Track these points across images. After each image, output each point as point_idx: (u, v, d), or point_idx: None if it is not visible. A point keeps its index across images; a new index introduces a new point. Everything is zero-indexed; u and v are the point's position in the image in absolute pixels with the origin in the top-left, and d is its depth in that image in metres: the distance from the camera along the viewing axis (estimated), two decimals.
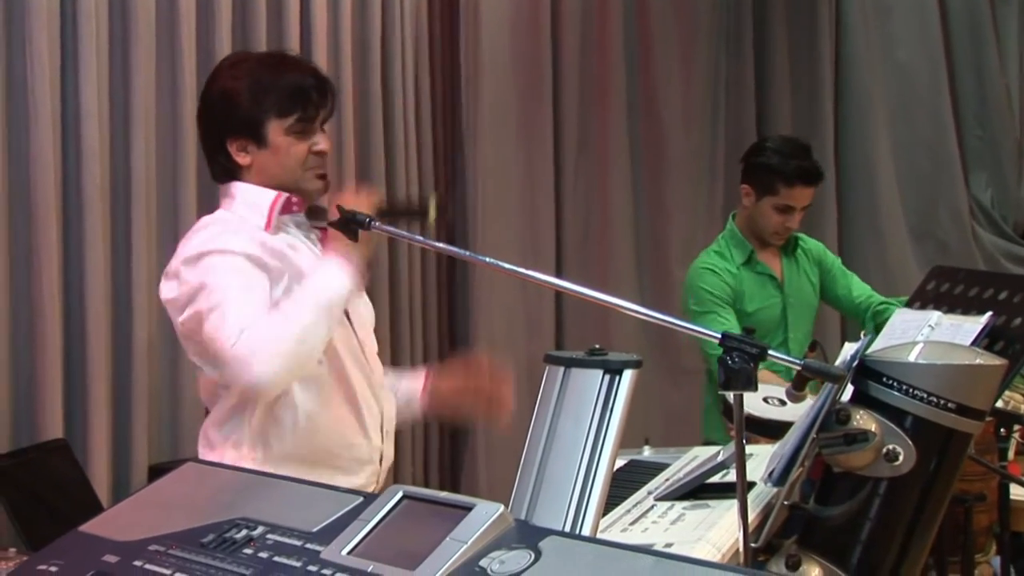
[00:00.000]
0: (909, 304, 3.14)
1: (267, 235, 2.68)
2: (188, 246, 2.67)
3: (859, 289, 4.33)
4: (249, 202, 2.73)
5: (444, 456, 5.45)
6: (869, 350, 2.13)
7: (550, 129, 5.86)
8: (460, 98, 5.51)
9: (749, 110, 6.76)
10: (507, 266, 2.40)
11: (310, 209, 2.79)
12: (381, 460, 2.82)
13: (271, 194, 2.72)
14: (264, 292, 2.59)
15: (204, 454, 2.74)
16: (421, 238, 2.83)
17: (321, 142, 2.76)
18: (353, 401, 2.74)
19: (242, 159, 2.72)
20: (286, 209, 2.74)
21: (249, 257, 2.60)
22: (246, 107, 2.70)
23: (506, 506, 1.57)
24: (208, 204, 4.27)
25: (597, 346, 1.79)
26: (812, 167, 4.21)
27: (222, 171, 2.78)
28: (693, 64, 6.56)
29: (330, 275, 2.60)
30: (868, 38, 7.12)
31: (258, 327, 2.49)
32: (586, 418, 1.72)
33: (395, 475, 4.11)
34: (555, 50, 5.88)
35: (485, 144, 5.54)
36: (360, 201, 2.60)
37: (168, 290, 2.67)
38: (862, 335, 2.23)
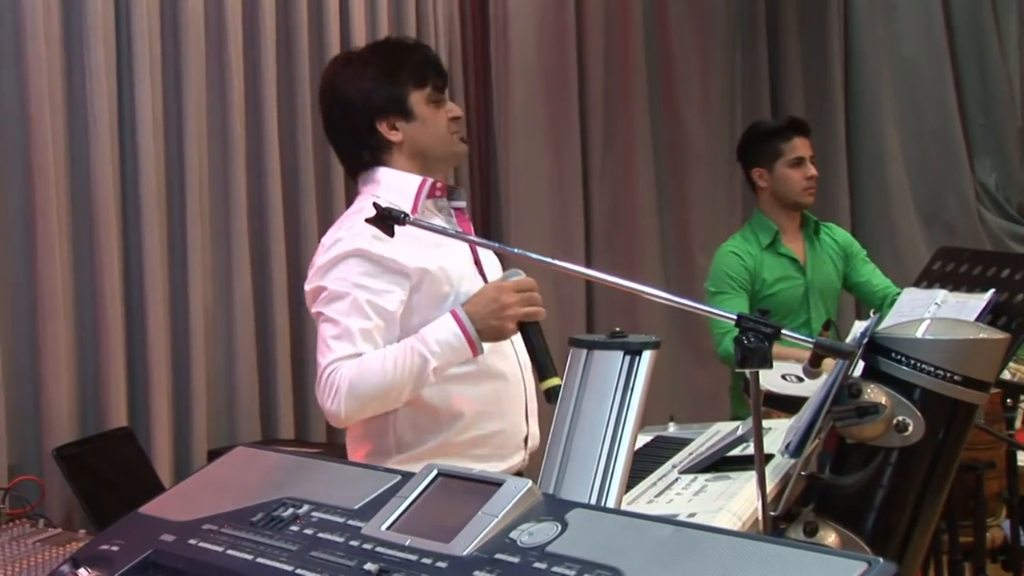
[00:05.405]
0: (916, 283, 3.12)
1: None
2: (334, 238, 2.57)
3: (880, 280, 4.34)
4: (395, 188, 2.63)
5: None
6: (879, 327, 2.11)
7: (577, 129, 5.84)
8: (492, 102, 5.50)
9: (764, 105, 6.71)
10: (538, 256, 2.37)
11: (449, 189, 2.73)
12: (527, 441, 2.72)
13: (416, 179, 2.63)
14: (382, 313, 2.49)
15: (352, 451, 2.64)
16: (457, 232, 2.72)
17: (454, 108, 2.73)
18: (501, 391, 2.64)
19: (394, 136, 2.65)
20: (430, 194, 2.65)
21: (383, 263, 2.51)
22: (387, 86, 2.64)
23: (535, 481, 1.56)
24: (257, 202, 4.33)
25: (618, 329, 1.77)
26: (796, 118, 4.45)
27: (370, 156, 2.68)
28: (710, 64, 6.53)
29: (448, 346, 2.47)
30: (875, 34, 7.08)
31: (352, 368, 2.43)
32: (608, 397, 1.71)
33: None
34: (580, 55, 5.87)
35: (517, 145, 5.52)
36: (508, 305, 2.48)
37: (308, 282, 2.59)
38: (871, 313, 2.21)
